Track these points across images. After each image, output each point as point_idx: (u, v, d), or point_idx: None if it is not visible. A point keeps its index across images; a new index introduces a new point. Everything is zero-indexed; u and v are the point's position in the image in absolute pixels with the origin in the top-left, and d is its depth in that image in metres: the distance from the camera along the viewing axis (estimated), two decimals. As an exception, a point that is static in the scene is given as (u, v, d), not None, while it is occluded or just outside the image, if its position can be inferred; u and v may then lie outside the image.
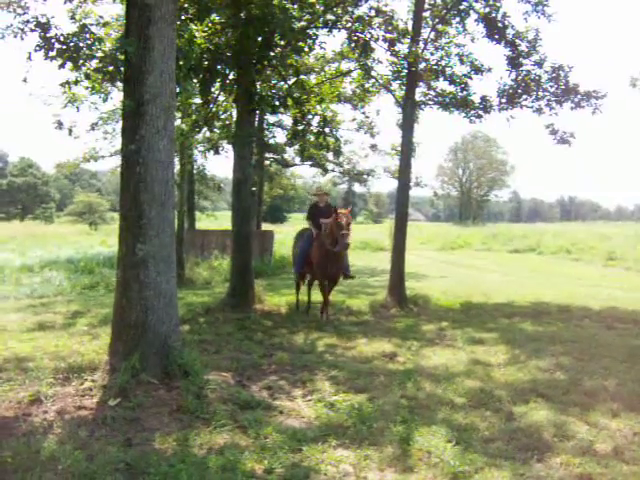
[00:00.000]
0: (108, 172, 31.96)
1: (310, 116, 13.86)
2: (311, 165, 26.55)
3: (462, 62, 13.20)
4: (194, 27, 11.46)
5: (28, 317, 10.71)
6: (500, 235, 41.20)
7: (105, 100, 14.91)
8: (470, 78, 13.14)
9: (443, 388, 6.53)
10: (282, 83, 13.83)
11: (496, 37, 12.57)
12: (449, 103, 13.36)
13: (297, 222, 58.27)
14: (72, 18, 10.38)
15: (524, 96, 12.90)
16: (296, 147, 22.02)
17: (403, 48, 12.91)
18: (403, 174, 13.36)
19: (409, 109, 13.04)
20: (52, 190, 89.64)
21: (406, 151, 13.23)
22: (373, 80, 14.67)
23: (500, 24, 12.43)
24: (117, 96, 20.70)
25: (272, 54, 12.14)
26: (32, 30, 6.19)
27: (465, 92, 13.19)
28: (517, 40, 12.58)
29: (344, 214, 10.28)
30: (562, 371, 7.23)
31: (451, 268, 23.86)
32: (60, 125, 10.93)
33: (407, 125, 13.20)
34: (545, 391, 6.40)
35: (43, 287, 14.74)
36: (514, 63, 12.75)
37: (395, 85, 14.01)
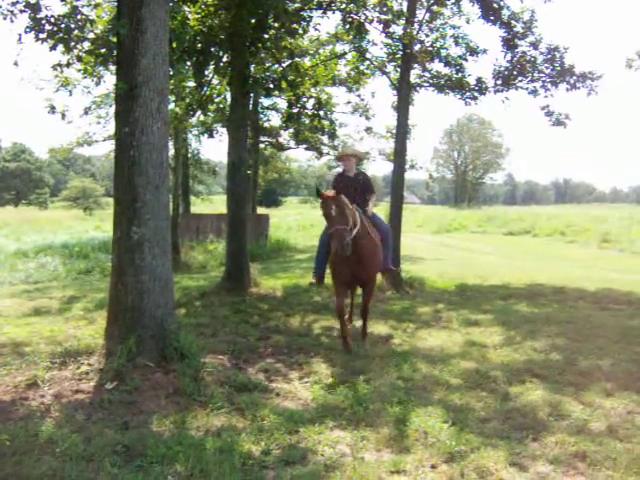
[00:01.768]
0: (102, 157, 31.82)
1: (304, 99, 13.80)
2: (306, 148, 26.45)
3: (457, 44, 13.13)
4: (187, 9, 11.36)
5: (24, 302, 10.70)
6: (495, 218, 41.30)
7: (98, 84, 14.77)
8: (465, 60, 13.08)
9: (439, 369, 6.56)
10: (276, 66, 13.77)
11: (491, 18, 12.47)
12: (444, 85, 13.28)
13: (292, 206, 58.23)
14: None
15: (519, 78, 12.84)
16: (291, 130, 21.98)
17: (398, 30, 12.84)
18: (398, 157, 13.33)
19: (404, 91, 12.97)
20: (46, 175, 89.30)
21: (401, 133, 13.18)
22: (368, 62, 14.60)
23: (495, 5, 12.33)
24: (110, 80, 20.57)
25: (266, 36, 12.04)
26: (21, 11, 6.09)
27: (460, 74, 13.12)
28: (512, 21, 12.49)
29: (330, 198, 6.89)
30: (557, 352, 7.26)
31: (446, 250, 23.91)
32: (53, 109, 10.86)
33: (402, 107, 13.13)
34: (540, 371, 6.44)
35: (38, 272, 14.74)
36: (509, 44, 12.67)
37: (390, 67, 13.95)
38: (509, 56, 12.78)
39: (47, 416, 5.06)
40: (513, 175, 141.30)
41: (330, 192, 6.99)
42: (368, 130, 24.94)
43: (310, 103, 14.06)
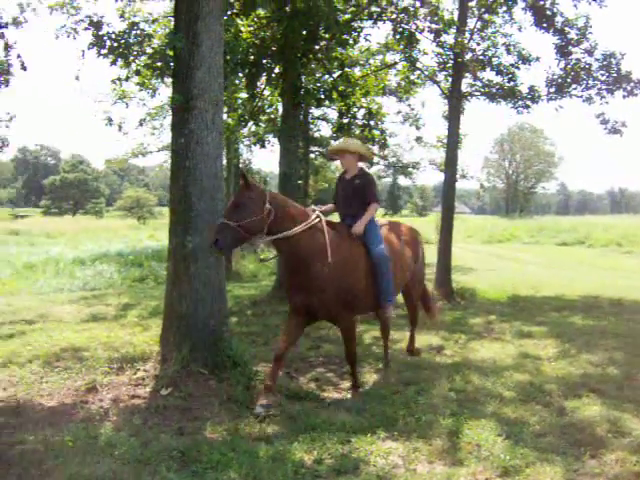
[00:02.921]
0: (156, 167, 32.47)
1: (355, 109, 13.85)
2: (355, 158, 26.44)
3: (509, 52, 12.97)
4: (240, 22, 11.58)
5: (82, 309, 11.00)
6: (548, 228, 40.41)
7: (153, 96, 15.16)
8: (517, 68, 12.91)
9: (492, 382, 6.46)
10: (326, 76, 13.86)
11: (544, 25, 12.31)
12: (496, 94, 13.15)
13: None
14: (121, 16, 10.60)
15: (574, 85, 12.61)
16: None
17: (449, 39, 12.77)
18: (449, 166, 13.25)
19: (455, 100, 12.91)
20: (102, 185, 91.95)
21: (452, 143, 13.11)
22: (418, 72, 14.56)
23: (549, 12, 12.17)
24: (164, 92, 21.00)
25: (317, 47, 12.17)
26: (85, 29, 6.35)
27: (512, 82, 12.97)
28: (566, 28, 12.29)
29: (241, 187, 5.56)
30: (615, 366, 7.07)
31: (498, 261, 23.55)
32: (110, 121, 11.17)
33: (453, 117, 13.07)
34: (597, 386, 6.27)
35: (95, 280, 15.14)
36: (563, 52, 12.47)
37: (441, 76, 13.89)
38: (563, 63, 12.57)
39: (106, 419, 5.22)
40: (566, 184, 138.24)
41: (251, 182, 5.53)
42: (418, 140, 24.80)
43: (361, 113, 14.11)
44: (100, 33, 6.33)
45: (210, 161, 6.41)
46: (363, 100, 14.54)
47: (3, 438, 4.76)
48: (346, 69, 13.43)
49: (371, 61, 17.39)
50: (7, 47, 8.76)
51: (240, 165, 23.60)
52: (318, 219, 5.86)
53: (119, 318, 10.01)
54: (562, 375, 6.72)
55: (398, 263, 6.53)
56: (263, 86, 13.23)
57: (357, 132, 14.82)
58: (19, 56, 8.11)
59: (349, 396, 6.17)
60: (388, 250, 6.26)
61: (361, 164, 6.62)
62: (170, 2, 12.99)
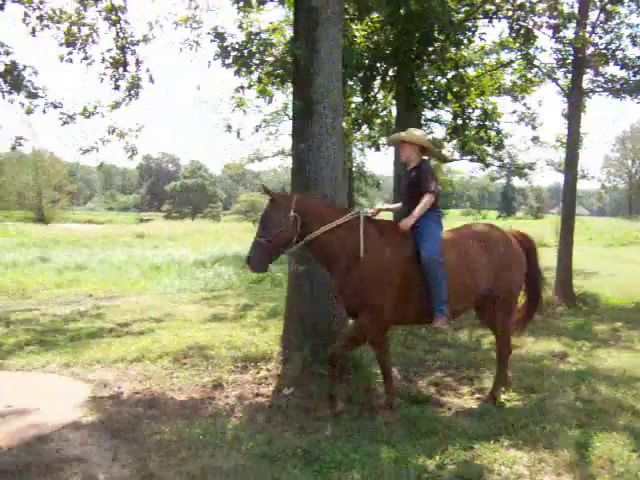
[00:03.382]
0: (270, 172, 33.36)
1: (470, 110, 13.63)
2: (471, 160, 25.95)
3: (635, 44, 12.29)
4: (354, 27, 11.69)
5: (203, 308, 11.49)
6: (678, 230, 37.83)
7: (270, 102, 15.56)
8: (645, 60, 12.22)
9: (622, 392, 6.14)
10: (440, 78, 13.72)
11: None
12: (620, 89, 12.50)
13: (454, 218, 57.34)
14: (239, 27, 11.00)
15: None
16: (454, 142, 21.71)
17: (569, 33, 12.28)
18: (570, 167, 12.74)
19: (575, 98, 12.40)
20: (219, 190, 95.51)
21: (572, 142, 12.60)
22: (536, 69, 14.10)
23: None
24: (280, 98, 21.54)
25: (431, 49, 12.06)
26: (211, 41, 6.66)
27: (639, 76, 12.27)
28: None
29: (270, 200, 5.52)
30: None
31: (621, 265, 22.28)
32: (229, 128, 11.69)
33: (573, 115, 12.56)
34: None
35: (214, 281, 15.70)
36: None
37: (559, 73, 13.37)
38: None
39: (232, 416, 5.46)
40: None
41: (273, 194, 5.50)
42: (535, 140, 24.00)
43: (475, 114, 13.85)
44: (225, 44, 6.60)
45: (330, 166, 6.52)
46: (478, 101, 14.27)
47: (143, 427, 5.13)
48: (460, 70, 13.23)
49: (486, 60, 17.02)
50: (137, 62, 9.37)
51: (353, 168, 23.75)
52: (352, 217, 5.53)
53: (239, 318, 10.37)
54: (702, 388, 6.29)
55: (460, 270, 5.69)
56: (377, 90, 13.27)
57: (472, 133, 14.57)
58: (148, 70, 8.63)
59: (471, 402, 6.06)
60: (443, 252, 5.53)
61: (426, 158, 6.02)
62: (283, 10, 13.37)
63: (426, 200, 5.56)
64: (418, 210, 5.54)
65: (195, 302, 12.42)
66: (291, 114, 6.84)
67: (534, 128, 23.64)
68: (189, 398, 5.91)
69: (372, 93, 12.99)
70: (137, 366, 7.00)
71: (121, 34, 10.01)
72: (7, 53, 9.91)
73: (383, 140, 16.06)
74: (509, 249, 6.04)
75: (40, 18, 9.98)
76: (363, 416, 5.50)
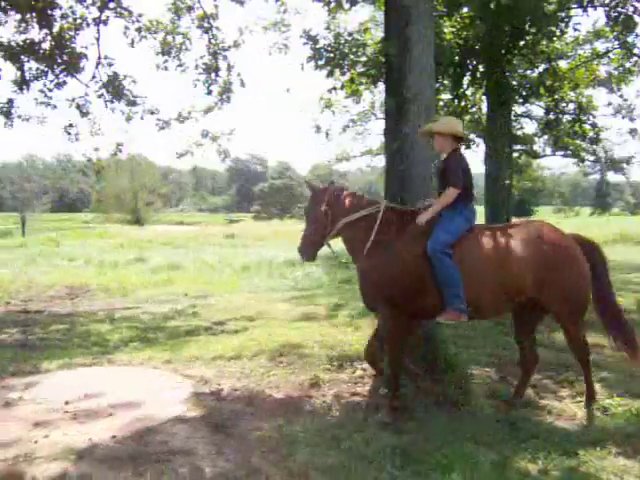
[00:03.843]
0: (356, 172, 33.46)
1: (564, 104, 13.21)
2: (563, 155, 25.08)
3: None
4: (443, 23, 11.55)
5: (294, 307, 11.64)
6: None
7: (358, 102, 15.62)
8: None
9: None
10: (531, 71, 13.36)
11: None
12: None
13: (544, 216, 55.59)
14: (327, 28, 11.10)
15: None
16: (546, 137, 21.07)
17: (675, 18, 11.63)
18: (676, 160, 12.10)
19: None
20: (306, 190, 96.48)
21: (679, 134, 11.95)
22: (635, 58, 13.47)
23: None
24: (367, 98, 21.59)
25: (522, 43, 11.77)
26: (304, 43, 6.75)
27: None
28: None
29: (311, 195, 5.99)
30: None
31: None
32: (318, 129, 11.87)
33: (680, 105, 11.90)
34: None
35: (304, 280, 15.87)
36: None
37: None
38: None
39: (329, 414, 5.51)
40: None
41: (313, 188, 5.91)
42: (633, 132, 22.94)
43: (569, 108, 13.42)
44: (317, 46, 6.68)
45: (422, 165, 6.46)
46: (572, 94, 13.81)
47: (243, 423, 5.27)
48: (552, 62, 12.84)
49: (579, 51, 16.42)
50: (229, 68, 9.63)
51: (436, 164, 23.49)
52: (374, 210, 5.60)
53: (329, 317, 10.44)
54: None
55: (486, 266, 5.35)
56: (466, 86, 13.06)
57: (566, 127, 14.13)
58: (239, 74, 8.86)
59: (572, 406, 5.85)
60: (454, 245, 5.28)
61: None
62: (369, 10, 13.36)
63: (448, 194, 5.40)
64: (437, 205, 5.45)
65: (285, 301, 12.59)
66: (378, 113, 6.84)
67: (632, 120, 22.59)
68: (286, 396, 6.00)
69: (462, 90, 12.81)
70: (235, 363, 7.18)
71: (213, 41, 10.38)
72: (110, 65, 10.48)
73: (472, 137, 15.78)
74: (556, 248, 5.46)
75: (139, 30, 10.49)
76: (459, 417, 5.42)
